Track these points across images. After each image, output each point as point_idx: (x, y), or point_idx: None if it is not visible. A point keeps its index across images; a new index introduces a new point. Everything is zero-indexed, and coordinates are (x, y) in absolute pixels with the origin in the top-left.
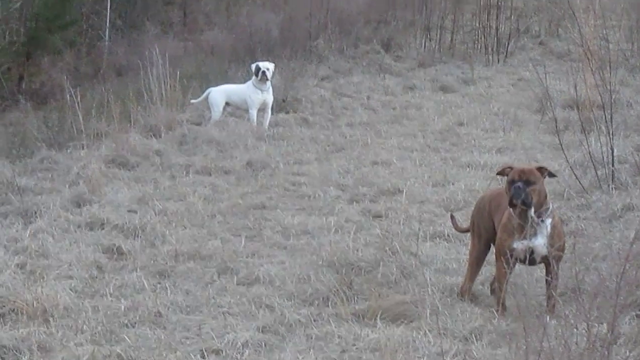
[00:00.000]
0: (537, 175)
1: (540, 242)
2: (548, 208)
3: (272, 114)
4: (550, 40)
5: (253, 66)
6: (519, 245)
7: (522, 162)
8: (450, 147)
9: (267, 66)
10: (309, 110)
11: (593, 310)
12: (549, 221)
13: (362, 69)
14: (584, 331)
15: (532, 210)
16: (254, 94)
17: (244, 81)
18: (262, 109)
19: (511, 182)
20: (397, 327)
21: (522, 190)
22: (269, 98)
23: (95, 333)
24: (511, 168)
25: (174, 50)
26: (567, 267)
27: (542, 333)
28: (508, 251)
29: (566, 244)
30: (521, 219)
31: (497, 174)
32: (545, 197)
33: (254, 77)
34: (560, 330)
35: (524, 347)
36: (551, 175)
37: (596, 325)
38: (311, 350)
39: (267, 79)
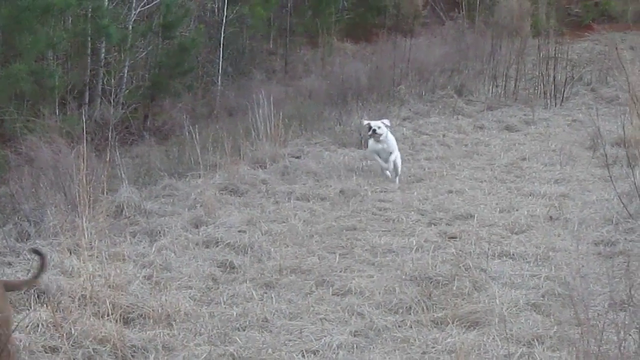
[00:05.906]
0: None
1: None
2: None
3: (388, 158)
4: (600, 87)
5: (365, 124)
6: None
7: None
8: (515, 178)
9: (378, 124)
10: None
11: None
12: None
13: (438, 111)
14: (634, 337)
15: None
16: (372, 144)
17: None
18: (384, 158)
19: None
20: (469, 333)
21: None
22: (386, 147)
23: (212, 335)
24: None
25: (277, 94)
26: (616, 282)
27: (599, 338)
28: None
29: None
30: None
31: None
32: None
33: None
34: (613, 337)
35: (582, 350)
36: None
37: None
38: (396, 351)
39: (378, 135)
